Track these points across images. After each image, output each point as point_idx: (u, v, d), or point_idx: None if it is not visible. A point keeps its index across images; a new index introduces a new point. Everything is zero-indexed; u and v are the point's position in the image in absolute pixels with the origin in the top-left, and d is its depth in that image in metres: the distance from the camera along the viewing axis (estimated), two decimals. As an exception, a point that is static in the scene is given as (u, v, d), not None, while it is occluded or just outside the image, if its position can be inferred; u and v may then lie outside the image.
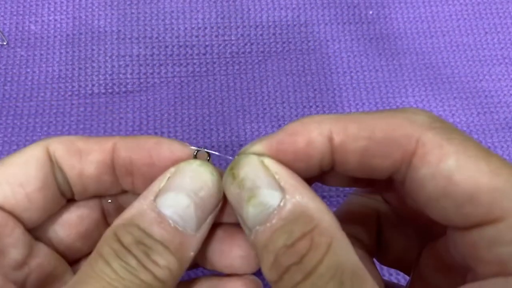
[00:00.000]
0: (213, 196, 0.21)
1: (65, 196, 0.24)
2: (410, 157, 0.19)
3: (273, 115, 0.40)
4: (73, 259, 0.25)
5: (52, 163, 0.22)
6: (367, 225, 0.26)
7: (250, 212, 0.19)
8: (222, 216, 0.23)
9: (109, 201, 0.25)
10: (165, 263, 0.19)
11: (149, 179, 0.22)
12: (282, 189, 0.19)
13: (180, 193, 0.20)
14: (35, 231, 0.23)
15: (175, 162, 0.22)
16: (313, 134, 0.20)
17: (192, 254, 0.21)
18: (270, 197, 0.19)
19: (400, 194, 0.22)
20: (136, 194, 0.23)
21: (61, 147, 0.23)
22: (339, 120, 0.20)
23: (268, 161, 0.20)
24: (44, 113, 0.39)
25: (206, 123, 0.40)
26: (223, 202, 0.22)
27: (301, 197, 0.19)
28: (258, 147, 0.21)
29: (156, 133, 0.39)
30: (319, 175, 0.22)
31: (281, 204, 0.19)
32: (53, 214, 0.23)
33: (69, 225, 0.24)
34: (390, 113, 0.20)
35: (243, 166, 0.20)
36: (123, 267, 0.19)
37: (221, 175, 0.22)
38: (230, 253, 0.23)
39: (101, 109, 0.40)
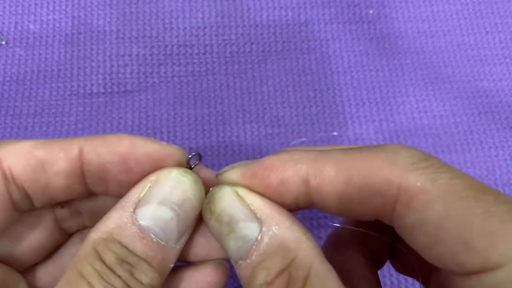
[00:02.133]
0: (196, 208, 0.20)
1: (21, 210, 0.21)
2: (393, 204, 0.17)
3: (273, 115, 0.40)
4: (25, 268, 0.23)
5: (7, 181, 0.20)
6: (382, 234, 0.25)
7: (231, 246, 0.19)
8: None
9: (62, 207, 0.23)
10: (148, 281, 0.19)
11: (126, 184, 0.20)
12: (259, 220, 0.18)
13: (162, 205, 0.19)
14: None
15: (154, 164, 0.20)
16: (287, 173, 0.19)
17: (171, 266, 0.20)
18: (248, 230, 0.18)
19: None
20: (111, 196, 0.22)
21: (18, 162, 0.20)
22: (317, 160, 0.19)
23: (242, 192, 0.19)
24: (43, 113, 0.39)
25: (206, 123, 0.40)
26: None
27: (278, 227, 0.18)
28: (233, 175, 0.20)
29: (155, 133, 0.39)
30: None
31: (259, 237, 0.18)
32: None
33: (19, 237, 0.22)
34: (371, 152, 0.18)
35: (218, 200, 0.20)
36: None
37: (203, 182, 0.21)
38: (208, 244, 0.23)
39: (100, 109, 0.40)
